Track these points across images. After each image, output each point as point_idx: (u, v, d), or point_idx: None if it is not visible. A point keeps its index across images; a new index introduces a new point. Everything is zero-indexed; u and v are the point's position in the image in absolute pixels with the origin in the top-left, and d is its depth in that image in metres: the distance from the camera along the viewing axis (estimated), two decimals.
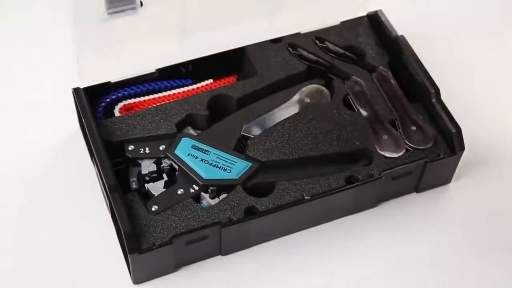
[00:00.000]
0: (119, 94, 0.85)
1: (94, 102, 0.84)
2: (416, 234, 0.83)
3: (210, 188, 0.79)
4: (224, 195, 0.78)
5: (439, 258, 0.82)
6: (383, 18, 0.90)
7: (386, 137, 0.83)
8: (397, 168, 0.80)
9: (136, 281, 0.78)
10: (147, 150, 0.80)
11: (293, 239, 0.82)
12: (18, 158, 0.86)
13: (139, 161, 0.80)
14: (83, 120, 0.80)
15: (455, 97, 0.88)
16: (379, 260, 0.81)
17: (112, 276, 0.79)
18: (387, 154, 0.82)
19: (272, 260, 0.81)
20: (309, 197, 0.78)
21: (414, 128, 0.84)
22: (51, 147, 0.87)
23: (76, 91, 0.82)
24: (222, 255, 0.80)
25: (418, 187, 0.85)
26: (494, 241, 0.83)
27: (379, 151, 0.82)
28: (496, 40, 0.99)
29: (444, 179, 0.86)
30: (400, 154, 0.82)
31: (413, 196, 0.86)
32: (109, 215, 0.81)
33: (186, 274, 0.79)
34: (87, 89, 0.83)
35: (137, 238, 0.74)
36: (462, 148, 0.82)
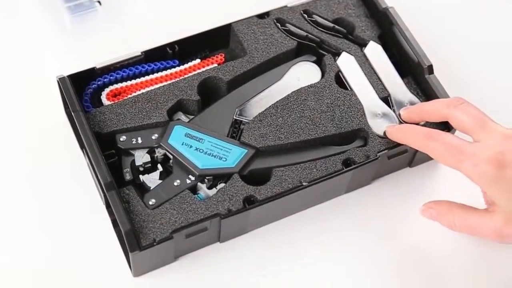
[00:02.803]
0: (105, 80, 0.83)
1: (79, 89, 0.81)
2: (410, 208, 0.84)
3: (207, 177, 0.77)
4: (222, 185, 0.77)
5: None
6: None
7: (380, 115, 0.82)
8: (393, 148, 0.80)
9: (136, 274, 0.77)
10: (140, 140, 0.79)
11: (289, 221, 0.82)
12: (3, 152, 0.84)
13: (132, 152, 0.79)
14: (72, 114, 0.77)
15: (448, 70, 0.87)
16: (375, 235, 0.82)
17: (112, 269, 0.78)
18: (382, 134, 0.81)
19: (269, 243, 0.81)
20: (307, 183, 0.77)
21: (408, 104, 0.83)
22: (37, 137, 0.85)
23: (61, 80, 0.79)
24: (220, 242, 0.80)
25: (412, 163, 0.85)
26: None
27: (373, 131, 0.81)
28: (491, 10, 0.97)
29: None
30: None
31: (407, 171, 0.86)
32: (104, 206, 0.80)
33: (185, 263, 0.79)
34: (72, 77, 0.80)
35: (137, 235, 0.73)
36: None
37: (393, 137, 0.79)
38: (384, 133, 0.80)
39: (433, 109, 0.76)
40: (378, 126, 0.81)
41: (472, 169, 0.68)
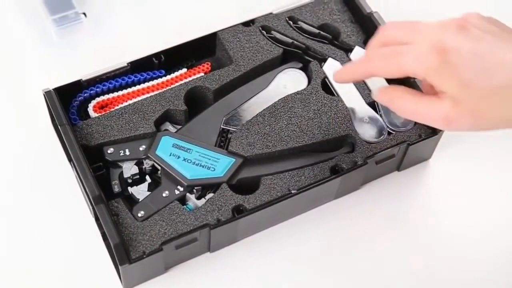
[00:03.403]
0: (92, 92, 0.83)
1: (66, 101, 0.81)
2: (399, 212, 0.84)
3: (195, 188, 0.77)
4: (210, 195, 0.77)
5: (422, 230, 0.84)
6: None
7: (367, 120, 0.82)
8: (380, 153, 0.80)
9: (127, 286, 0.77)
10: (127, 152, 0.79)
11: (279, 229, 0.82)
12: None
13: (120, 164, 0.79)
14: (59, 127, 0.77)
15: None
16: (365, 239, 0.82)
17: (102, 282, 0.78)
18: (369, 139, 0.81)
19: (259, 252, 0.81)
20: (295, 191, 0.77)
21: None
22: (25, 150, 0.85)
23: (48, 94, 0.79)
24: (210, 252, 0.80)
25: (400, 167, 0.85)
26: (472, 211, 0.85)
27: (361, 136, 0.81)
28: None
29: (424, 156, 0.86)
30: (382, 138, 0.81)
31: (395, 175, 0.86)
32: (93, 218, 0.80)
33: (176, 274, 0.79)
34: (58, 89, 0.80)
35: (127, 248, 0.73)
36: None
37: (340, 78, 0.75)
38: (377, 133, 0.80)
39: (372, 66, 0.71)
40: (365, 131, 0.82)
41: (416, 65, 0.66)
